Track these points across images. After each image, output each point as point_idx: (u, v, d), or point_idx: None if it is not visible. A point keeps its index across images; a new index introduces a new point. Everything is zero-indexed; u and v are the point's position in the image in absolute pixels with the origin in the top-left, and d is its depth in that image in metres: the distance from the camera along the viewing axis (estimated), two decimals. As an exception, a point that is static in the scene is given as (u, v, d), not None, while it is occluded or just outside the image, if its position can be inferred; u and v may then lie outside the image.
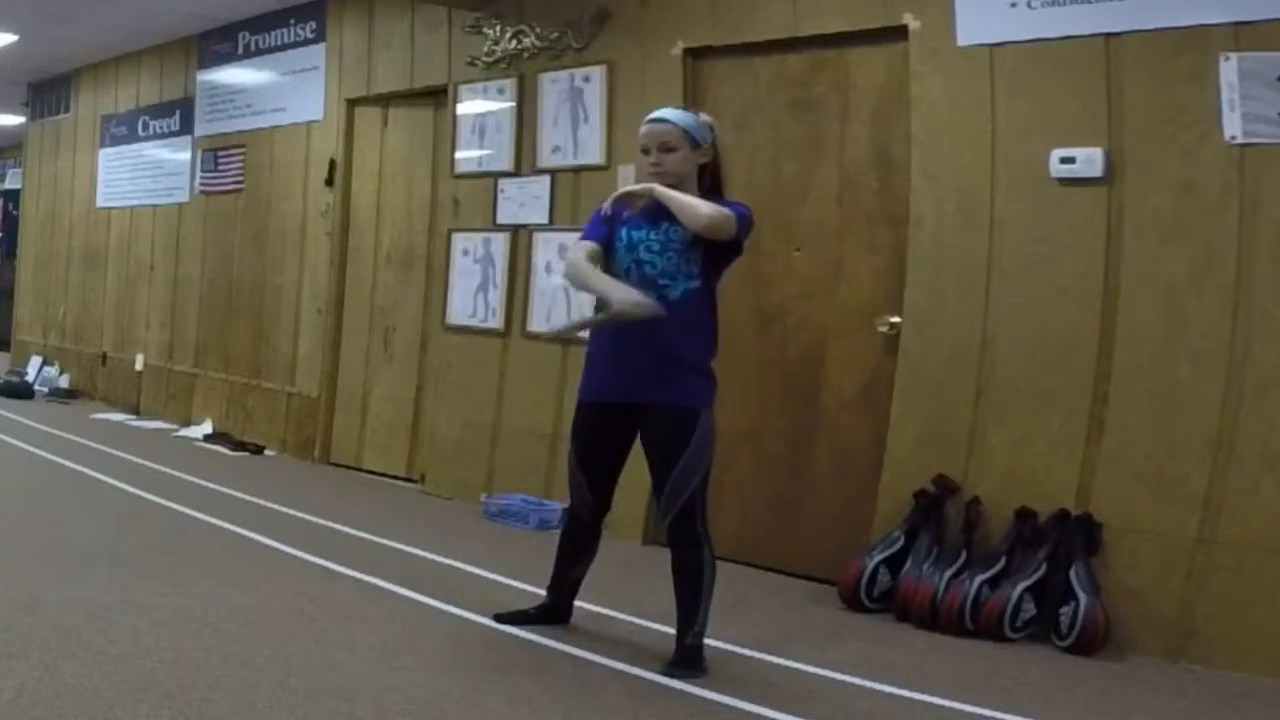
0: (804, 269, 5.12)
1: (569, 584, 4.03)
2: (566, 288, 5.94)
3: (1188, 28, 4.01)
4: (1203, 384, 3.98)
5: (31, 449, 7.26)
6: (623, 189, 3.64)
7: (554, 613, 4.03)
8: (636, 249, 3.65)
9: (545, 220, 6.12)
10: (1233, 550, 3.89)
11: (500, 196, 6.36)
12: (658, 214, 3.61)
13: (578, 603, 4.10)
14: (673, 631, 3.83)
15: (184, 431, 8.54)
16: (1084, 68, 4.24)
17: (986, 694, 3.51)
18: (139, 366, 9.57)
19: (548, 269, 6.07)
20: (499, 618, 4.00)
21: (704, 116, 3.75)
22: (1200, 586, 3.94)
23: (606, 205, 3.66)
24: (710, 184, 3.72)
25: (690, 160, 3.66)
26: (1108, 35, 4.19)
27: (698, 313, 3.64)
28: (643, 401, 3.64)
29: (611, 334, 3.67)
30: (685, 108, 3.89)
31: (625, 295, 3.48)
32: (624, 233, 3.69)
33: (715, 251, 3.64)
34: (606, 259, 3.71)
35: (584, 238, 3.78)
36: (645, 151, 3.69)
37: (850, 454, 4.91)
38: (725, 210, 3.57)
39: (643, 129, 3.71)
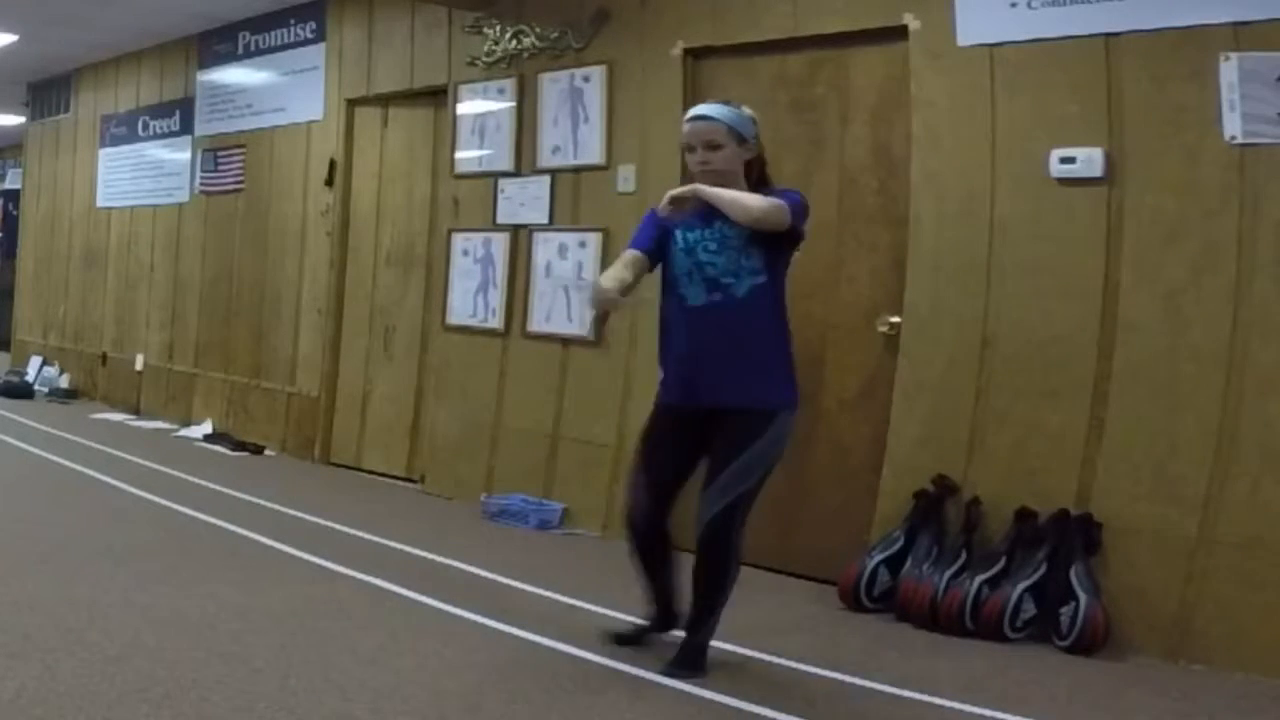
0: (804, 269, 5.10)
1: (662, 592, 3.82)
2: (565, 287, 5.96)
3: (1188, 28, 4.01)
4: (1203, 384, 3.98)
5: (31, 449, 7.26)
6: (670, 194, 3.50)
7: (662, 621, 3.83)
8: (695, 250, 3.56)
9: (545, 220, 6.12)
10: (1233, 550, 3.88)
11: (500, 196, 6.36)
12: (710, 212, 3.51)
13: (576, 602, 4.10)
14: (671, 630, 3.83)
15: (184, 431, 8.54)
16: (1084, 68, 4.24)
17: (986, 694, 3.51)
18: (139, 366, 9.57)
19: (548, 269, 6.07)
20: (616, 638, 3.82)
21: (747, 110, 3.65)
22: (1200, 586, 3.94)
23: (662, 209, 3.51)
24: (758, 177, 3.64)
25: (737, 156, 3.58)
26: (1108, 35, 4.19)
27: (767, 308, 3.56)
28: (723, 405, 3.53)
29: (683, 334, 3.59)
30: (728, 102, 3.73)
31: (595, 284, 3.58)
32: (679, 235, 3.60)
33: (775, 243, 3.54)
34: (663, 264, 3.65)
35: (631, 244, 3.69)
36: (690, 150, 3.60)
37: (850, 454, 4.91)
38: (775, 200, 3.46)
39: (686, 126, 3.62)
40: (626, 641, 3.80)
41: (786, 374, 3.62)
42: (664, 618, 3.83)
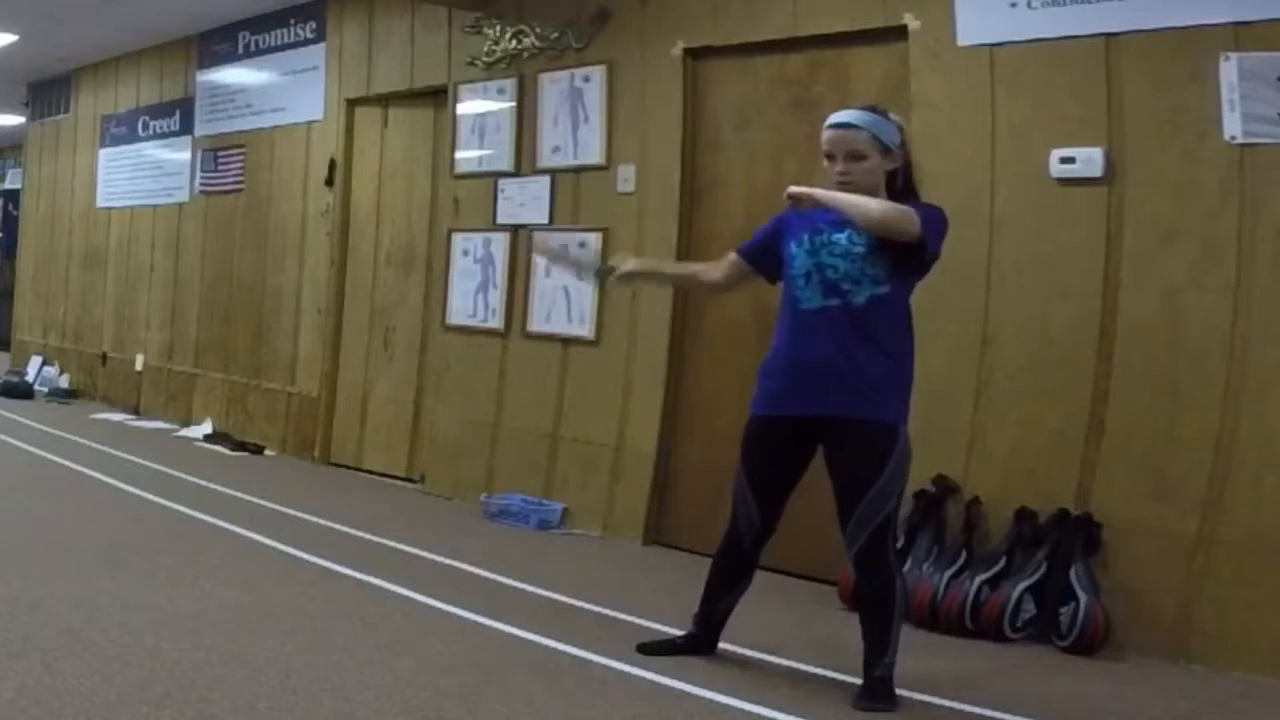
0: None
1: (719, 614, 3.71)
2: (565, 289, 5.96)
3: (1188, 28, 4.01)
4: (1203, 383, 3.98)
5: (31, 449, 7.26)
6: (789, 190, 3.37)
7: (700, 644, 3.72)
8: (819, 253, 3.38)
9: (545, 220, 6.12)
10: (1233, 550, 3.88)
11: (500, 196, 6.36)
12: (842, 217, 3.33)
13: (576, 602, 4.08)
14: (671, 630, 3.83)
15: (184, 431, 8.54)
16: (1084, 68, 4.24)
17: (986, 694, 3.50)
18: (139, 366, 9.57)
19: (547, 270, 6.06)
20: (642, 648, 3.70)
21: (893, 116, 3.46)
22: (1200, 586, 3.94)
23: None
24: (901, 186, 3.42)
25: (879, 169, 3.38)
26: (1108, 35, 4.19)
27: (887, 321, 3.38)
28: (831, 415, 3.35)
29: (791, 342, 3.43)
30: (873, 108, 3.49)
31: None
32: (805, 237, 3.42)
33: (904, 256, 3.33)
34: (782, 266, 3.50)
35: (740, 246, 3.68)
36: (829, 158, 3.40)
37: (850, 454, 4.90)
38: (903, 207, 3.27)
39: (827, 133, 3.41)
40: (654, 653, 3.68)
41: (902, 390, 3.42)
42: (706, 639, 3.72)
